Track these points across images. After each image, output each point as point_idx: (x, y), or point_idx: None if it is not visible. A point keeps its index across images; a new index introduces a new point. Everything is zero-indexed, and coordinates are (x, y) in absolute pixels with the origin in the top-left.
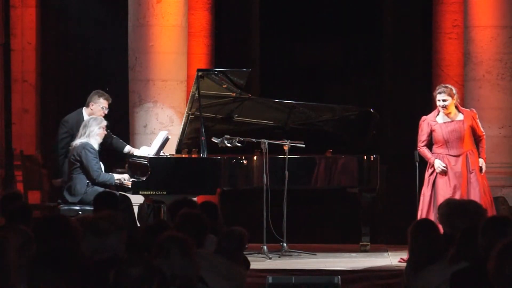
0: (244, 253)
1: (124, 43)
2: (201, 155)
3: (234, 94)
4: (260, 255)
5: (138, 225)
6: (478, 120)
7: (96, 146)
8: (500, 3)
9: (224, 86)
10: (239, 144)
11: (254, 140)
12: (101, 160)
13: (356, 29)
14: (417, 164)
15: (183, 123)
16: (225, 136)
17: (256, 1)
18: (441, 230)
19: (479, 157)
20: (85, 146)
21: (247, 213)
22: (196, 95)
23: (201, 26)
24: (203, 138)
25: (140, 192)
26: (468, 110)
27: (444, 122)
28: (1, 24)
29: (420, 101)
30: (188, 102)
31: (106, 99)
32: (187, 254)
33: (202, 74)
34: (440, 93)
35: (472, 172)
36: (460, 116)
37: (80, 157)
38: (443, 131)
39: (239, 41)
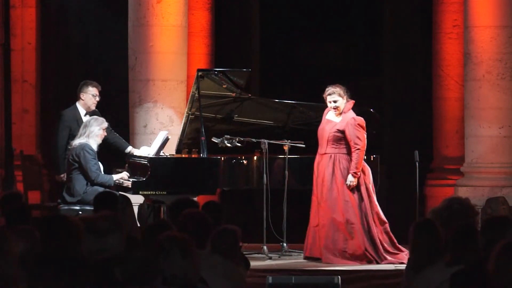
0: (244, 253)
1: (124, 43)
2: (201, 155)
3: (234, 94)
4: (260, 255)
5: (138, 225)
6: (356, 131)
7: (94, 147)
8: (500, 3)
9: (224, 86)
10: (239, 144)
11: (254, 140)
12: (100, 160)
13: (356, 29)
14: (417, 164)
15: (183, 123)
16: (225, 136)
17: (256, 1)
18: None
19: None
20: (84, 147)
21: (247, 213)
22: (196, 95)
23: (201, 26)
24: (203, 138)
25: (140, 192)
26: (352, 117)
27: (326, 119)
28: (1, 24)
29: (420, 101)
30: (188, 102)
31: (94, 86)
32: (187, 254)
33: (202, 74)
34: (330, 94)
35: (334, 177)
36: (339, 119)
37: (79, 158)
38: (319, 128)
39: (239, 41)
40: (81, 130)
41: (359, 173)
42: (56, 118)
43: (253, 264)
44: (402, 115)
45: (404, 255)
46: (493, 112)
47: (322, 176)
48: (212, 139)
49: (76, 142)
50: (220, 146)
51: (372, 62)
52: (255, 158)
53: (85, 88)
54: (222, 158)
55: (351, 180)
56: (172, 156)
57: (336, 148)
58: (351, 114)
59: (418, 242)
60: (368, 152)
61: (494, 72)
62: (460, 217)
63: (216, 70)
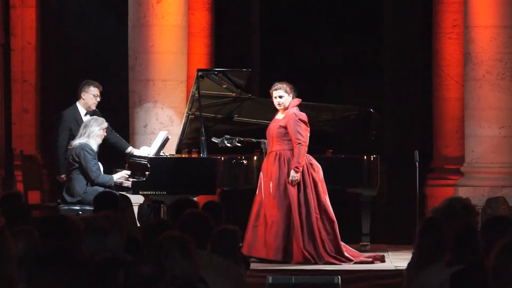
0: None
1: (124, 43)
2: (201, 155)
3: (234, 94)
4: None
5: (138, 225)
6: (298, 126)
7: (95, 147)
8: (500, 3)
9: (224, 86)
10: (239, 144)
11: (254, 140)
12: (100, 160)
13: (356, 29)
14: (417, 164)
15: (183, 123)
16: (225, 136)
17: (256, 2)
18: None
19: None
20: (84, 147)
21: (247, 213)
22: (196, 95)
23: (201, 26)
24: (203, 138)
25: (140, 192)
26: (294, 112)
27: (274, 119)
28: (1, 24)
29: (420, 101)
30: (188, 102)
31: (96, 86)
32: (187, 254)
33: (202, 74)
34: (276, 89)
35: (281, 173)
36: (283, 115)
37: (79, 158)
38: (267, 128)
39: (239, 41)
40: (81, 130)
41: (301, 168)
42: (56, 118)
43: (253, 264)
44: (402, 115)
45: (345, 258)
46: (493, 112)
47: (269, 174)
48: (212, 139)
49: (76, 142)
50: (220, 146)
51: (372, 62)
52: (255, 158)
53: (87, 88)
54: (222, 158)
55: (293, 175)
56: (172, 156)
57: (280, 144)
58: (294, 110)
59: (424, 239)
60: (368, 152)
61: (494, 72)
62: (460, 217)
63: (216, 70)
